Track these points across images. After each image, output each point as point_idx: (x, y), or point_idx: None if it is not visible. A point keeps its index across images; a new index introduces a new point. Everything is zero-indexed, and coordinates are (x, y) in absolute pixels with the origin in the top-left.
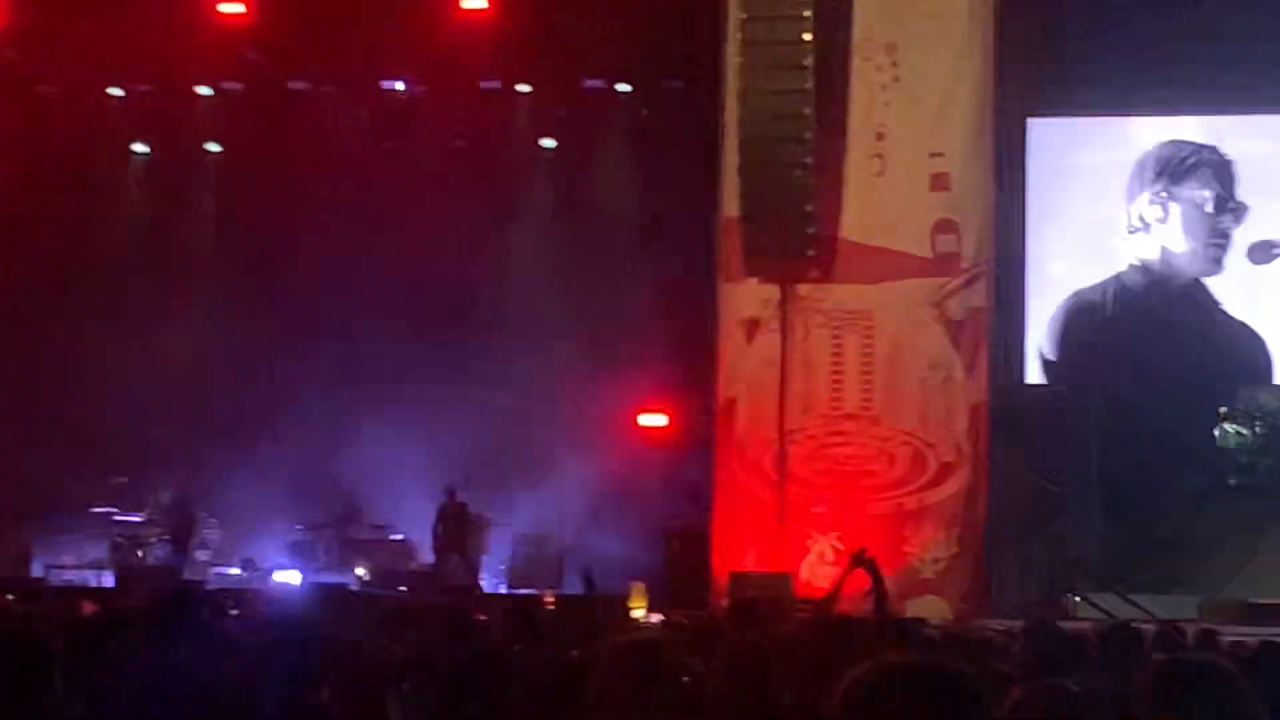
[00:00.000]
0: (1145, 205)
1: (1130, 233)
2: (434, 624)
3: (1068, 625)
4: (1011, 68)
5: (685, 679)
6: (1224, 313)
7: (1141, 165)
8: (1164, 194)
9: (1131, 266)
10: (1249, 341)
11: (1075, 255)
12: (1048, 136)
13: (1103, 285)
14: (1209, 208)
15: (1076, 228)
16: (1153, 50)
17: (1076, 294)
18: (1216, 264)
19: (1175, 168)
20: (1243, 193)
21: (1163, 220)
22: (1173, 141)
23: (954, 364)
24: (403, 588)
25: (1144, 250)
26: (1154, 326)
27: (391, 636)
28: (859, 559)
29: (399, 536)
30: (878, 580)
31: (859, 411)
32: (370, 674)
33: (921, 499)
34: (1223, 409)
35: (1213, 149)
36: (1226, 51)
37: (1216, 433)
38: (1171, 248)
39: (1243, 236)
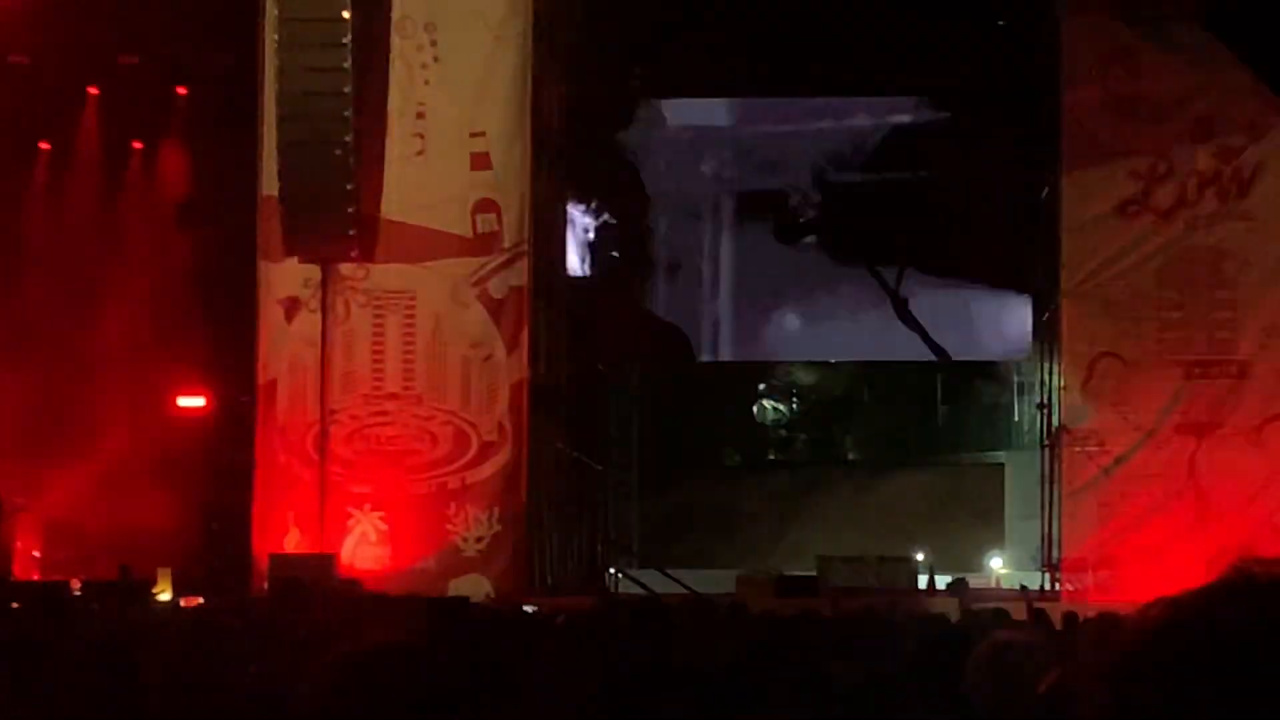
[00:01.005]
0: None
1: None
2: None
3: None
4: (555, 48)
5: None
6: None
7: None
8: None
9: None
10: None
11: None
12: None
13: None
14: None
15: None
16: (691, 31)
17: None
18: None
19: None
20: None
21: None
22: None
23: (496, 343)
24: None
25: None
26: None
27: None
28: None
29: None
30: None
31: (401, 391)
32: None
33: (464, 478)
34: (761, 385)
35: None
36: (761, 35)
37: (755, 409)
38: None
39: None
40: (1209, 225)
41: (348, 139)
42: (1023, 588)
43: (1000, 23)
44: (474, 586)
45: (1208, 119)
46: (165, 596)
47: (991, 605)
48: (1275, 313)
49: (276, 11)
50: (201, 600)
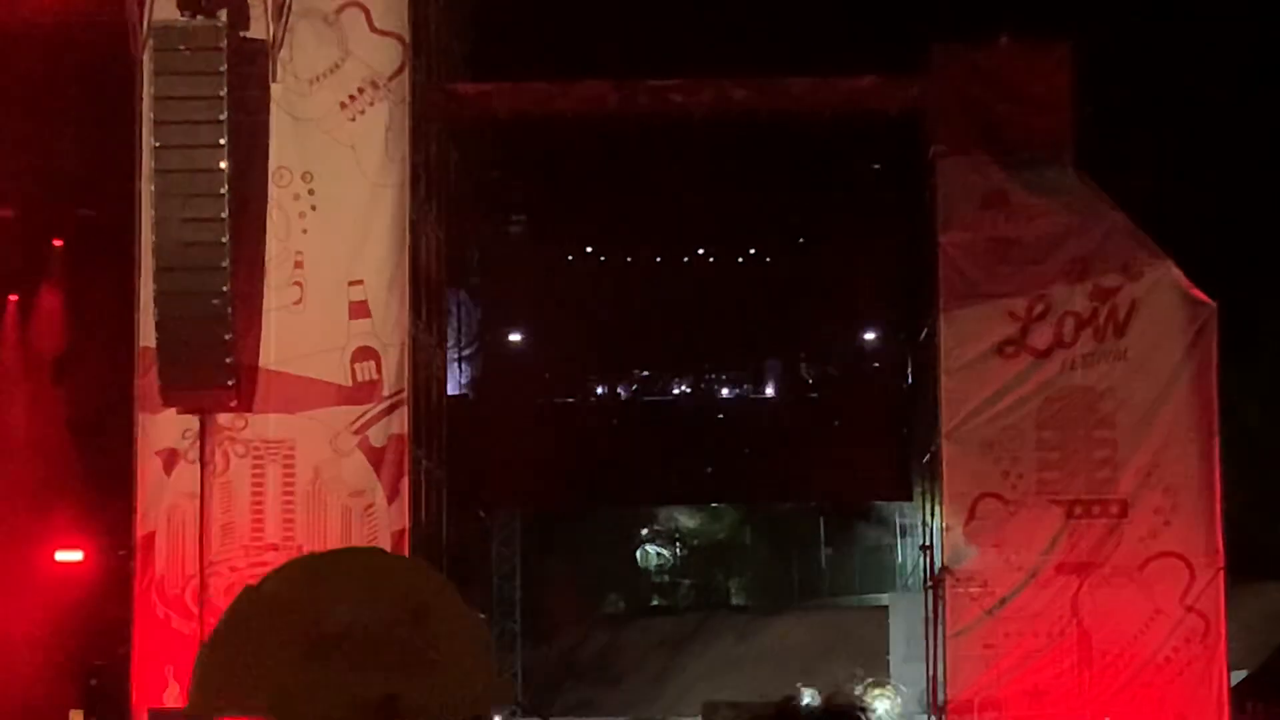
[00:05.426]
0: None
1: None
2: None
3: None
4: (433, 195)
5: None
6: None
7: None
8: None
9: None
10: None
11: None
12: None
13: None
14: None
15: None
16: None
17: None
18: None
19: None
20: None
21: None
22: None
23: (376, 491)
24: None
25: None
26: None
27: None
28: None
29: None
30: None
31: (281, 541)
32: None
33: None
34: (644, 531)
35: None
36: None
37: (638, 554)
38: None
39: None
40: (1086, 365)
41: (225, 289)
42: None
43: (875, 166)
44: None
45: (1083, 259)
46: None
47: None
48: (1153, 451)
49: (153, 163)
50: None
